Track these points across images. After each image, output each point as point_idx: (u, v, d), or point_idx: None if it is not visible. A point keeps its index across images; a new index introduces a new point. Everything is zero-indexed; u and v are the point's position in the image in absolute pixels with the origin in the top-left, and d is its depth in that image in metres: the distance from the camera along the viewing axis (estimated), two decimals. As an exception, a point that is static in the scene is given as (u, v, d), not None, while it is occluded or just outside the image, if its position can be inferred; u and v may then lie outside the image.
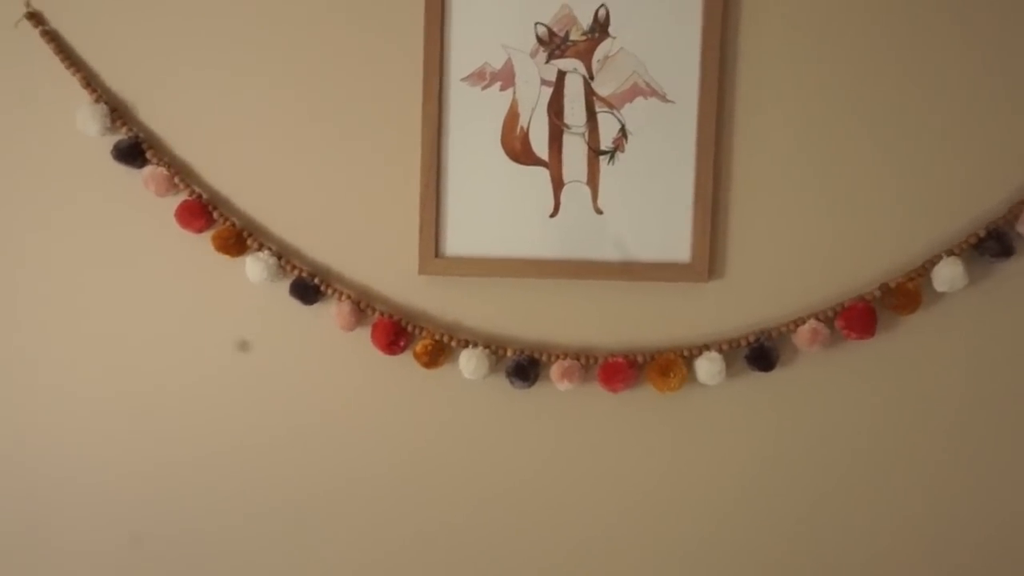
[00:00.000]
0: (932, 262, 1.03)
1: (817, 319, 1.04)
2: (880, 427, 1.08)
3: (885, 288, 1.04)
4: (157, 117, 1.09)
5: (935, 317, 1.06)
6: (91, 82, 1.07)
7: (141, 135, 1.08)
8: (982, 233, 1.03)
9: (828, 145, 1.04)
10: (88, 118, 1.06)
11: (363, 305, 1.08)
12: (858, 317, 1.03)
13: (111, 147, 1.07)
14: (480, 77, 1.04)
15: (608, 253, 1.05)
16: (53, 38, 1.07)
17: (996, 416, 1.08)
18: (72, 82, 1.07)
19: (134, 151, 1.07)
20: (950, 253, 1.03)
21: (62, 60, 1.06)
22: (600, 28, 1.03)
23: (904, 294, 1.03)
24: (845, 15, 1.03)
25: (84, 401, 1.13)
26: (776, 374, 1.06)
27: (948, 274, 1.02)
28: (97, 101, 1.07)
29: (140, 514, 1.14)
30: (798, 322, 1.05)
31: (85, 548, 1.15)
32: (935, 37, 1.03)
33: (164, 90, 1.08)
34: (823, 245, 1.06)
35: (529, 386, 1.07)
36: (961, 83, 1.03)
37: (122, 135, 1.08)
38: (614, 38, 1.03)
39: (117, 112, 1.08)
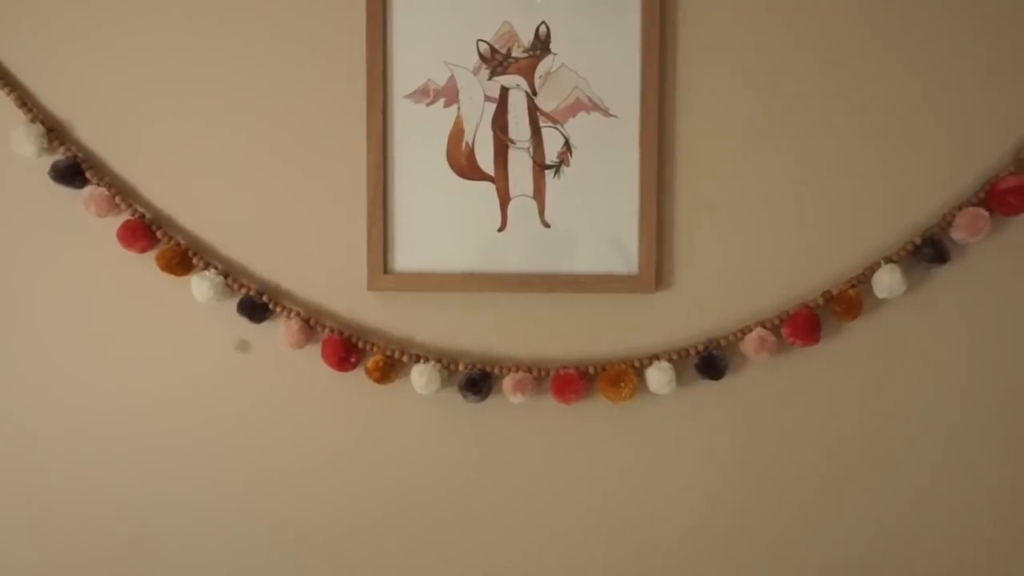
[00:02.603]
0: (872, 269, 1.06)
1: (764, 327, 1.06)
2: (828, 431, 1.10)
3: (828, 295, 1.06)
4: (95, 136, 1.07)
5: (877, 322, 1.08)
6: (26, 102, 1.05)
7: (80, 155, 1.06)
8: (918, 240, 1.05)
9: (768, 156, 1.06)
10: (23, 139, 1.04)
11: (313, 322, 1.07)
12: (803, 324, 1.05)
13: (48, 168, 1.05)
14: (424, 94, 1.04)
15: (557, 266, 1.06)
16: (-15, 57, 1.05)
17: (940, 417, 1.10)
18: (6, 102, 1.04)
19: (73, 171, 1.05)
20: (889, 260, 1.05)
21: (-6, 80, 1.04)
22: (541, 45, 1.03)
23: (846, 301, 1.05)
24: (782, 28, 1.04)
25: (26, 433, 1.11)
26: (726, 382, 1.07)
27: (887, 280, 1.04)
28: (33, 121, 1.05)
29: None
30: (745, 330, 1.06)
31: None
32: (868, 51, 1.05)
33: (102, 109, 1.06)
34: (767, 255, 1.07)
35: (482, 399, 1.07)
36: (893, 96, 1.05)
37: (60, 155, 1.05)
38: (555, 54, 1.03)
39: (54, 132, 1.06)
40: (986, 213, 1.03)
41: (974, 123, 1.05)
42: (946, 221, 1.05)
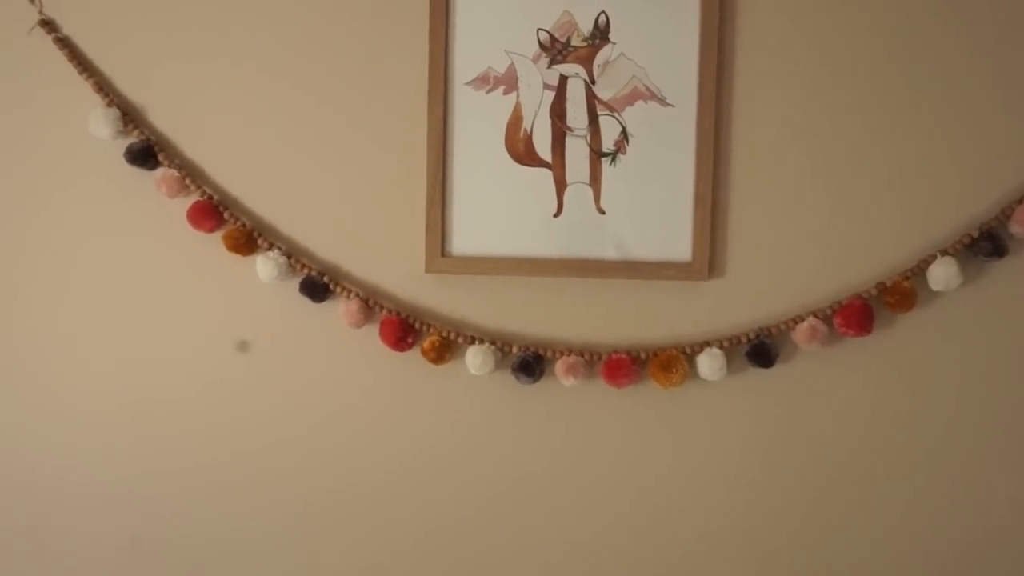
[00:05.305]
0: (927, 262, 1.05)
1: (815, 317, 1.06)
2: (877, 423, 1.10)
3: (881, 287, 1.06)
4: (168, 120, 1.11)
5: (931, 315, 1.08)
6: (103, 87, 1.10)
7: (152, 138, 1.10)
8: (975, 233, 1.04)
9: (824, 146, 1.06)
10: (100, 122, 1.09)
11: (371, 303, 1.10)
12: (855, 315, 1.05)
13: (123, 150, 1.09)
14: (484, 81, 1.06)
15: (611, 252, 1.08)
16: (65, 44, 1.09)
17: (991, 412, 1.09)
18: (85, 87, 1.09)
19: (146, 154, 1.10)
20: (944, 253, 1.05)
21: (75, 66, 1.09)
22: (600, 34, 1.05)
23: (900, 293, 1.05)
24: (840, 19, 1.04)
25: (95, 403, 1.15)
26: (776, 370, 1.08)
27: (943, 273, 1.04)
28: (109, 105, 1.09)
29: (140, 516, 1.17)
30: (797, 320, 1.07)
31: (85, 550, 1.18)
32: (928, 40, 1.04)
33: (175, 94, 1.10)
34: (821, 244, 1.08)
35: (534, 382, 1.09)
36: (954, 86, 1.05)
37: (134, 138, 1.10)
38: (614, 44, 1.05)
39: (129, 116, 1.10)
40: (1047, 207, 1.03)
41: (1036, 115, 1.05)
42: (1005, 215, 1.04)
